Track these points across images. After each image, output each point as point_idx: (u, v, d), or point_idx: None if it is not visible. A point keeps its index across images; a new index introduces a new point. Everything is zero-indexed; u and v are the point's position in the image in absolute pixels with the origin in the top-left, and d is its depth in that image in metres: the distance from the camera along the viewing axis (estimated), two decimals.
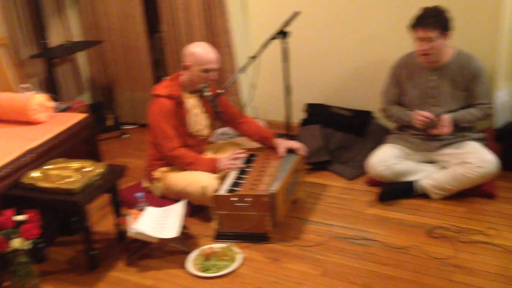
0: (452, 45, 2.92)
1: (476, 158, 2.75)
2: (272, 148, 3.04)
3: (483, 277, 2.27)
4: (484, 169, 2.72)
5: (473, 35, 3.16)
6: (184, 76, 2.96)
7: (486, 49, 3.16)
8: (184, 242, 2.66)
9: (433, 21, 2.74)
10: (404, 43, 3.25)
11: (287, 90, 3.21)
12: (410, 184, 2.93)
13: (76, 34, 4.43)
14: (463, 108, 2.93)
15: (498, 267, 2.32)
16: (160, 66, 4.40)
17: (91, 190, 2.47)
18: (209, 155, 3.11)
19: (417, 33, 2.80)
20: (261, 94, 3.80)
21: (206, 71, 2.87)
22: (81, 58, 4.51)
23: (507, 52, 3.33)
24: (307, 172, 3.33)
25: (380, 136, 3.45)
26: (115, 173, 2.67)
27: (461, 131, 2.94)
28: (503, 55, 3.28)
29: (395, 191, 2.94)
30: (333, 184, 3.22)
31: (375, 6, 3.42)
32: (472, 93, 2.90)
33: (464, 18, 3.14)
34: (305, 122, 3.72)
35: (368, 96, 3.64)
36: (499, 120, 3.27)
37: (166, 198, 2.97)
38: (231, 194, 2.62)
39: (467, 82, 2.88)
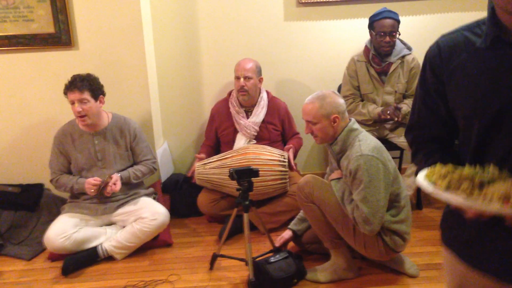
0: (109, 110, 3.11)
1: (149, 212, 2.94)
2: None
3: None
4: (157, 221, 2.93)
5: (128, 101, 3.42)
6: None
7: (141, 112, 3.46)
8: None
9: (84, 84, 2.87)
10: (63, 112, 3.29)
11: None
12: (93, 250, 2.92)
13: None
14: (130, 166, 3.11)
15: None
16: None
17: None
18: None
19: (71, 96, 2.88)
20: None
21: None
22: None
23: (160, 114, 3.75)
24: None
25: (55, 208, 3.35)
26: None
27: (132, 189, 3.11)
28: (157, 116, 3.67)
29: (79, 260, 2.87)
30: (9, 269, 2.92)
31: (27, 78, 3.33)
32: (135, 152, 3.13)
33: (119, 86, 3.38)
34: None
35: (36, 168, 3.48)
36: (163, 173, 3.61)
37: None
38: None
39: (129, 142, 3.09)
